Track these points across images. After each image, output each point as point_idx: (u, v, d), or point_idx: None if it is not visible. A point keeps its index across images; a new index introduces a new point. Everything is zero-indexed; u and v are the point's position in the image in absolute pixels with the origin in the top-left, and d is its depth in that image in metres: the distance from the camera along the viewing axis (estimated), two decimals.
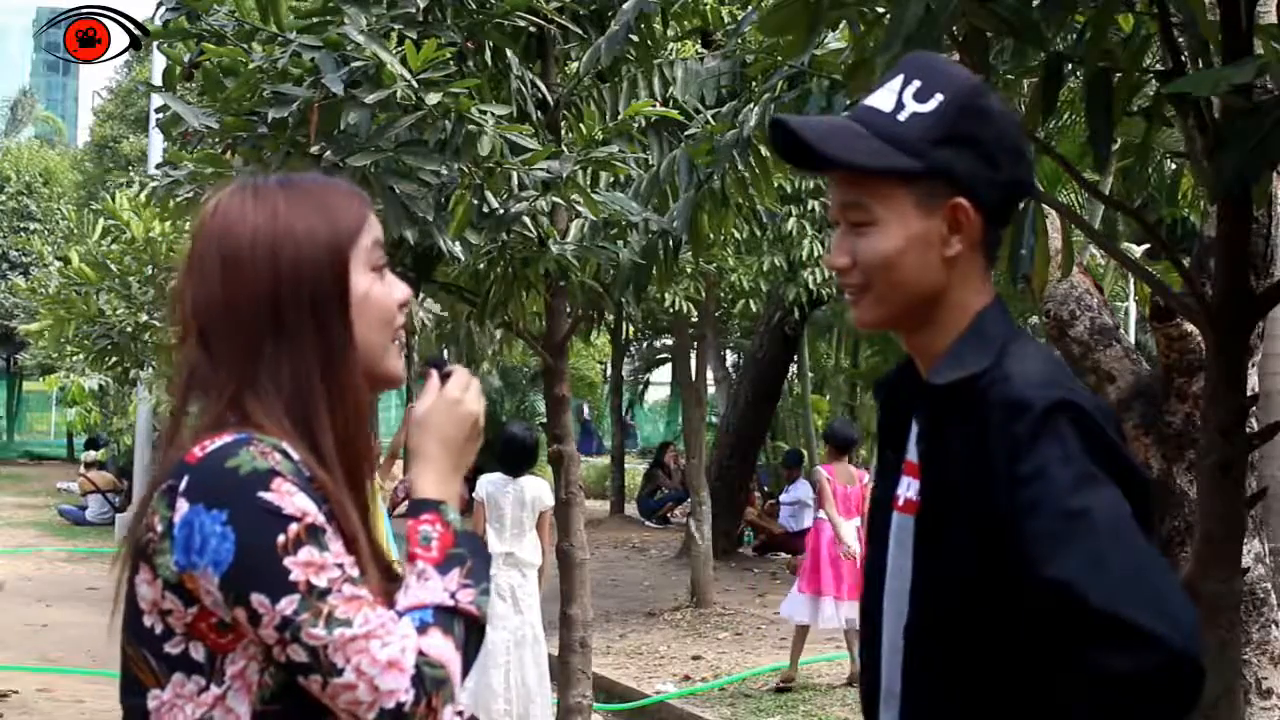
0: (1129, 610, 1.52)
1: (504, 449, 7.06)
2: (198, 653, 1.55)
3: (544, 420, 7.23)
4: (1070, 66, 3.04)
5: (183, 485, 1.54)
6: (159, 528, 1.55)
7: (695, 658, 9.38)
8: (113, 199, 11.80)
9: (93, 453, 19.55)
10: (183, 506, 1.53)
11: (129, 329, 10.46)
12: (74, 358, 14.71)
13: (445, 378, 1.72)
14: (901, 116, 1.72)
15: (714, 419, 19.09)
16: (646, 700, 8.30)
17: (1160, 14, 2.92)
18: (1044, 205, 3.48)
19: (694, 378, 12.26)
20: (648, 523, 17.89)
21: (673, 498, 17.83)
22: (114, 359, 11.05)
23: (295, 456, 1.57)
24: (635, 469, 21.57)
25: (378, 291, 1.68)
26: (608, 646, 9.44)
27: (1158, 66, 3.34)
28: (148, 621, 1.57)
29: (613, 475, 19.57)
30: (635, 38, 5.15)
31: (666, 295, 10.28)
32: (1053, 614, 1.57)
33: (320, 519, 1.54)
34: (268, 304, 1.62)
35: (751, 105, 4.32)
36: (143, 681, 1.58)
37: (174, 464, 1.57)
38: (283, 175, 1.73)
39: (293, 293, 1.62)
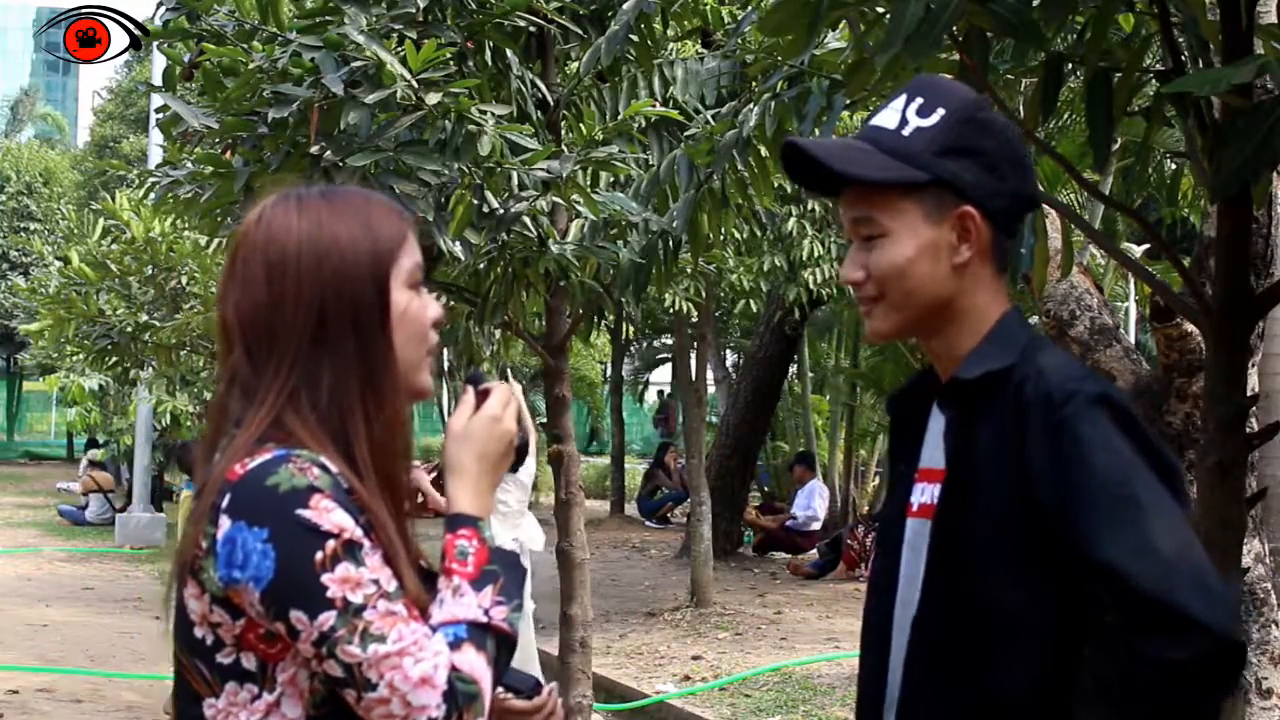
0: (1177, 596, 1.57)
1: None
2: (249, 662, 1.59)
3: (544, 420, 7.22)
4: (1070, 66, 3.04)
5: (224, 502, 1.57)
6: (203, 544, 1.58)
7: (695, 658, 9.37)
8: (113, 198, 11.79)
9: (95, 451, 19.55)
10: (225, 523, 1.56)
11: (129, 329, 10.43)
12: (74, 358, 14.69)
13: (481, 394, 1.75)
14: (905, 132, 1.78)
15: (714, 419, 19.09)
16: (646, 700, 8.30)
17: (1160, 14, 2.92)
18: (1044, 205, 3.48)
19: (694, 378, 12.25)
20: (648, 523, 17.89)
21: (673, 498, 17.84)
22: (114, 359, 11.02)
23: (333, 469, 1.60)
24: (635, 469, 21.58)
25: (415, 307, 1.70)
26: (608, 646, 9.44)
27: (1158, 66, 3.34)
28: (199, 633, 1.60)
29: (613, 475, 19.58)
30: (635, 38, 5.15)
31: (666, 295, 10.27)
32: (1101, 596, 1.62)
33: (358, 533, 1.57)
34: (311, 313, 1.64)
35: (751, 105, 4.32)
36: (198, 691, 1.61)
37: (217, 481, 1.60)
38: (325, 186, 1.75)
39: (336, 303, 1.64)
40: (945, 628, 1.74)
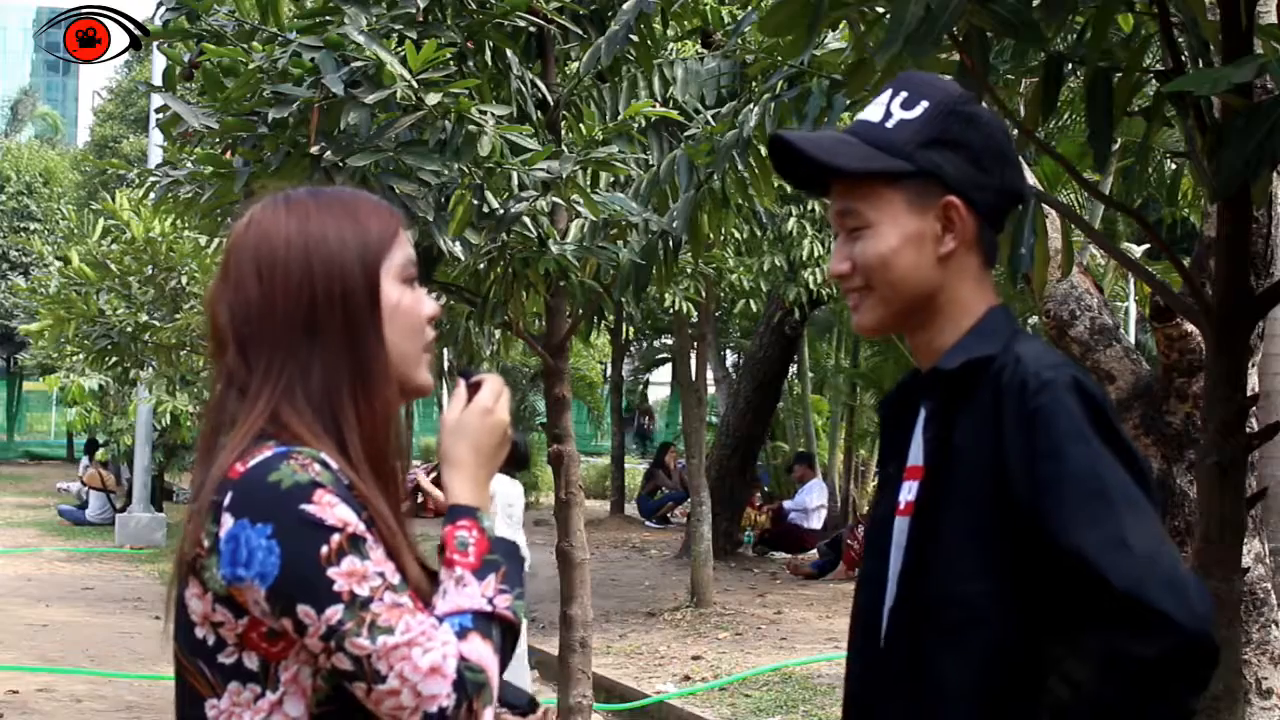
0: (1150, 593, 1.56)
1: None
2: (251, 661, 1.59)
3: (544, 420, 7.25)
4: (1070, 66, 3.05)
5: (227, 500, 1.58)
6: (205, 543, 1.59)
7: (695, 658, 9.37)
8: (113, 198, 11.79)
9: (100, 451, 19.58)
10: (228, 521, 1.57)
11: (129, 329, 10.44)
12: (74, 358, 14.70)
13: (473, 388, 1.76)
14: (889, 124, 1.81)
15: (714, 419, 19.09)
16: (646, 700, 8.30)
17: (1160, 14, 2.93)
18: (1044, 205, 3.48)
19: (694, 378, 12.25)
20: (648, 523, 17.89)
21: (673, 498, 17.84)
22: (114, 359, 11.02)
23: (334, 465, 1.61)
24: (635, 469, 21.58)
25: (408, 301, 1.71)
26: (608, 646, 9.44)
27: (1158, 66, 3.34)
28: (200, 634, 1.61)
29: (613, 475, 19.58)
30: (635, 38, 5.14)
31: (666, 295, 10.27)
32: (1072, 584, 1.61)
33: (361, 528, 1.58)
34: (302, 307, 1.65)
35: (751, 105, 4.32)
36: (200, 691, 1.62)
37: (217, 480, 1.60)
38: (313, 188, 1.77)
39: (326, 296, 1.66)
40: (913, 620, 1.75)
